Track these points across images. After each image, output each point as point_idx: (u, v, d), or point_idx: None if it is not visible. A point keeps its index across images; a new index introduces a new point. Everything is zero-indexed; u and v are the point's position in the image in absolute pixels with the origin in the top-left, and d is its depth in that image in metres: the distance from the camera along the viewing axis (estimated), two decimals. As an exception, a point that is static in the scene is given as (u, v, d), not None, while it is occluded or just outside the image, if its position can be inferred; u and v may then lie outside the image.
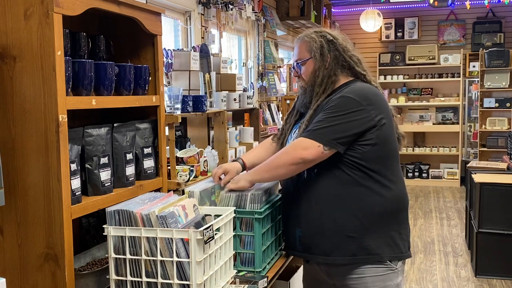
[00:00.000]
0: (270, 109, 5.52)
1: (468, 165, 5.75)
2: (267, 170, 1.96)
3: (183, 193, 2.08)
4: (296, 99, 2.21)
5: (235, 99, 3.54)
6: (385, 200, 1.94)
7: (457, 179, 8.66)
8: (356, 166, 1.90)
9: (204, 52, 3.33)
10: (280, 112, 5.86)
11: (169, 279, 1.55)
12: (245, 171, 2.13)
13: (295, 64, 2.09)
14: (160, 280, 1.55)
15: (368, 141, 1.90)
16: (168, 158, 2.25)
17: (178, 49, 3.64)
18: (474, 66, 8.54)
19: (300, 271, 2.68)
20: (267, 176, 1.99)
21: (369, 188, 1.92)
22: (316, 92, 2.01)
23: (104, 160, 1.78)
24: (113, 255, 1.59)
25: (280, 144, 2.17)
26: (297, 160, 1.88)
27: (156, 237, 1.54)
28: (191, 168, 2.63)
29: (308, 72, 2.03)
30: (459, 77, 8.62)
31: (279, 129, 2.33)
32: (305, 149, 1.87)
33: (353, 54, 2.04)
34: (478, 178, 4.67)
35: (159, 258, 1.54)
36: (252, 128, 3.76)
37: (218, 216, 1.76)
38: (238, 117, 3.90)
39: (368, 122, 1.89)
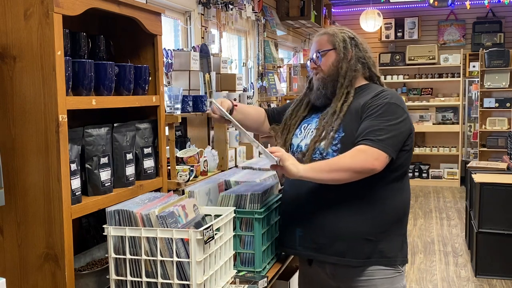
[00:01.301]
0: (270, 109, 5.51)
1: (468, 165, 5.75)
2: (328, 171, 1.81)
3: (183, 193, 2.08)
4: (303, 94, 2.17)
5: (235, 99, 3.53)
6: (401, 204, 1.98)
7: (457, 179, 8.66)
8: (385, 171, 1.87)
9: (204, 52, 3.33)
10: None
11: (169, 279, 1.55)
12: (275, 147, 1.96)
13: (314, 54, 2.05)
14: (160, 280, 1.55)
15: (405, 147, 1.92)
16: (168, 158, 2.25)
17: (178, 49, 3.65)
18: (474, 66, 8.54)
19: (300, 271, 2.68)
20: (325, 177, 1.82)
21: (391, 191, 1.93)
22: (341, 83, 1.99)
23: (104, 160, 1.78)
24: (113, 255, 1.59)
25: (284, 139, 2.11)
26: (366, 169, 1.81)
27: (156, 237, 1.54)
28: (191, 168, 2.63)
29: (329, 62, 2.01)
30: (459, 77, 8.62)
31: (272, 114, 2.27)
32: (376, 159, 1.81)
33: (371, 56, 2.07)
34: (478, 178, 4.67)
35: (159, 258, 1.55)
36: (252, 128, 3.75)
37: (218, 216, 1.76)
38: (238, 117, 3.89)
39: (410, 130, 1.93)
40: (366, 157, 1.80)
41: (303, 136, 2.04)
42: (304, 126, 2.07)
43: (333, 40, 2.02)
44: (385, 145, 1.82)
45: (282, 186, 2.38)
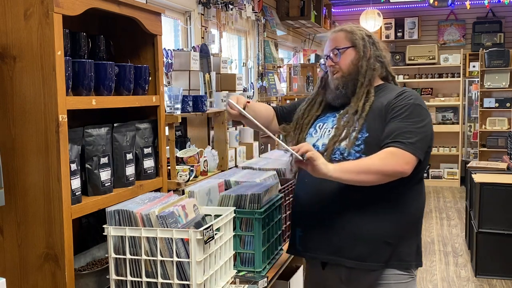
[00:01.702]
0: (270, 109, 5.51)
1: (468, 165, 5.75)
2: (358, 172, 1.76)
3: (183, 193, 2.08)
4: (315, 93, 2.09)
5: (235, 99, 3.53)
6: (421, 205, 1.95)
7: (457, 179, 8.66)
8: (411, 173, 1.82)
9: (204, 52, 3.33)
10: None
11: (169, 279, 1.55)
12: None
13: (331, 52, 1.97)
14: (160, 280, 1.55)
15: (428, 149, 1.88)
16: (168, 158, 2.25)
17: (178, 49, 3.65)
18: (474, 66, 8.54)
19: (300, 271, 2.68)
20: (354, 178, 1.77)
21: (415, 193, 1.91)
22: (361, 83, 1.92)
23: (104, 160, 1.78)
24: (113, 255, 1.59)
25: (297, 138, 2.04)
26: (396, 173, 1.77)
27: (156, 237, 1.54)
28: (191, 168, 2.63)
29: (348, 61, 1.94)
30: (459, 77, 8.62)
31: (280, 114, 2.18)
32: (407, 163, 1.77)
33: (386, 55, 2.01)
34: (478, 178, 4.67)
35: (159, 258, 1.54)
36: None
37: (218, 216, 1.76)
38: (238, 117, 3.89)
39: (432, 131, 1.89)
40: (398, 161, 1.76)
41: (319, 136, 1.97)
42: (319, 125, 2.00)
43: (352, 38, 1.95)
44: (415, 148, 1.78)
45: (288, 184, 2.37)
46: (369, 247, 1.85)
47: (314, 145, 1.94)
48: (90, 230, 2.02)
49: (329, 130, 1.95)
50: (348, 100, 1.95)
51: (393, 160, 1.76)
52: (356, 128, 1.86)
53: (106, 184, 1.78)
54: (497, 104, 8.08)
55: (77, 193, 1.63)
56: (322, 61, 2.04)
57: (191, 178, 2.62)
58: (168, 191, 2.11)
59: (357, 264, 1.86)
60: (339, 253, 1.88)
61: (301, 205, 2.00)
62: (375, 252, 1.85)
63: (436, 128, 8.70)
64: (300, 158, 1.71)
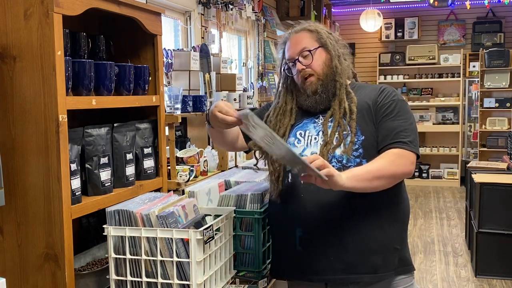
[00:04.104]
0: (270, 109, 5.51)
1: (468, 165, 5.75)
2: (371, 179, 1.66)
3: (183, 193, 2.08)
4: (282, 101, 1.91)
5: (235, 99, 3.54)
6: (408, 203, 1.90)
7: (457, 179, 8.66)
8: None
9: (204, 52, 3.34)
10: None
11: (169, 279, 1.55)
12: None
13: (300, 54, 1.81)
14: (160, 280, 1.55)
15: None
16: (168, 158, 2.25)
17: (178, 49, 3.65)
18: (474, 66, 8.54)
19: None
20: (368, 185, 1.67)
21: (404, 194, 1.87)
22: (340, 83, 1.81)
23: (104, 160, 1.78)
24: (113, 255, 1.59)
25: None
26: (405, 174, 1.73)
27: (156, 237, 1.54)
28: (191, 168, 2.63)
29: (320, 62, 1.81)
30: (459, 77, 8.62)
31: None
32: (412, 163, 1.73)
33: (348, 53, 1.92)
34: (478, 178, 4.66)
35: (159, 258, 1.55)
36: (252, 128, 3.75)
37: (218, 216, 1.76)
38: (238, 117, 3.90)
39: None
40: (406, 162, 1.72)
41: (305, 145, 1.82)
42: (300, 133, 1.85)
43: (319, 37, 1.83)
44: (414, 146, 1.74)
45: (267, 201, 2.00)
46: (382, 256, 1.77)
47: (301, 155, 1.75)
48: (90, 230, 2.02)
49: (315, 138, 1.82)
50: (329, 104, 1.83)
51: (402, 161, 1.72)
52: (351, 132, 1.76)
53: (106, 184, 1.78)
54: (497, 104, 8.08)
55: (77, 193, 1.63)
56: (285, 66, 1.87)
57: (191, 178, 2.62)
58: (168, 191, 2.11)
59: (370, 277, 1.77)
60: (350, 270, 1.75)
61: (294, 223, 1.80)
62: (386, 261, 1.77)
63: (436, 128, 8.73)
64: (325, 178, 1.53)
